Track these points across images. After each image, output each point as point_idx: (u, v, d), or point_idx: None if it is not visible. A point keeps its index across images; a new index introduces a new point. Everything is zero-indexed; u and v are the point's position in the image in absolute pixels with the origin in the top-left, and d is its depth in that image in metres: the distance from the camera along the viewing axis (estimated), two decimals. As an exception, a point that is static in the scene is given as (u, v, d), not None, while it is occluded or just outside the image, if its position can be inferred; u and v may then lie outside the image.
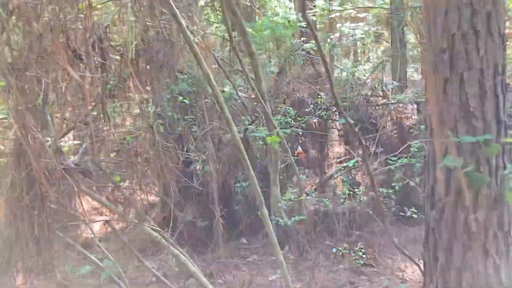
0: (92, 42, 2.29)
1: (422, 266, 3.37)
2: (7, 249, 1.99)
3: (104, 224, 6.28)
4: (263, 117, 5.08)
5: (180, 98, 4.45)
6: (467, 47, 2.54)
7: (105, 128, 2.55)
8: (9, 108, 1.92)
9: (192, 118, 4.92)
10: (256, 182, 2.88)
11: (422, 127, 5.44)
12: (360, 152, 7.46)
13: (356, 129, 3.95)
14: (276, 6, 22.08)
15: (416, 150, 4.75)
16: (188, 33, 2.42)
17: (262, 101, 4.44)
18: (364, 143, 2.58)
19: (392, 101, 6.28)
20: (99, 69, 2.27)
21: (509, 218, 2.66)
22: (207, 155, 5.00)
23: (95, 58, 2.22)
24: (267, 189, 6.27)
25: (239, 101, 5.42)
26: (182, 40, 2.85)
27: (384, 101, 6.57)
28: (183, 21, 2.36)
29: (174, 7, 2.29)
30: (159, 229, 3.70)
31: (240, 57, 3.92)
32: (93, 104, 2.43)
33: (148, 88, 2.77)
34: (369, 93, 6.74)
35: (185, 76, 4.40)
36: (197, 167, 5.93)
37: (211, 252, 6.09)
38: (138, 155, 2.62)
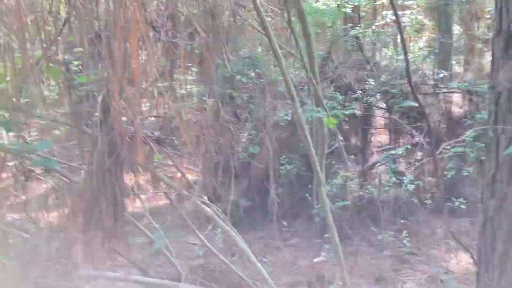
0: (167, 15, 2.34)
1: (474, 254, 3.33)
2: (87, 210, 2.08)
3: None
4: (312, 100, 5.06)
5: (238, 77, 4.49)
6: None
7: (171, 101, 2.60)
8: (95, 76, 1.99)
9: (247, 97, 4.96)
10: (317, 163, 2.89)
11: (479, 116, 5.31)
12: (405, 140, 7.38)
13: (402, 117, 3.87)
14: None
15: (471, 139, 4.66)
16: (263, 13, 2.44)
17: (315, 83, 4.42)
18: (431, 125, 2.53)
19: (444, 90, 6.14)
20: (172, 42, 2.32)
21: None
22: (253, 135, 5.03)
23: (170, 31, 2.26)
24: (311, 173, 6.28)
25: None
26: (248, 19, 2.88)
27: (435, 90, 6.42)
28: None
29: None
30: (213, 205, 3.77)
31: (297, 38, 3.90)
32: (161, 77, 2.49)
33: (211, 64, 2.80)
34: (419, 81, 6.61)
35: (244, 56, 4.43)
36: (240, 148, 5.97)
37: (253, 232, 6.17)
38: (201, 130, 2.66)
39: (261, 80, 4.72)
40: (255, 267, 4.28)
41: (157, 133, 2.34)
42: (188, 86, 3.23)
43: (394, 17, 11.26)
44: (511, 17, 2.56)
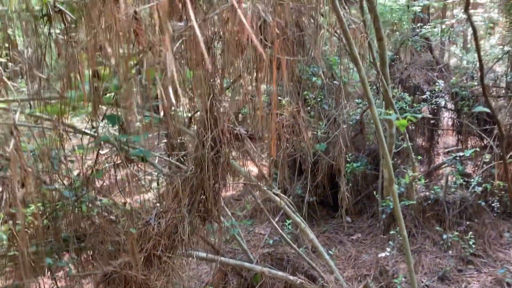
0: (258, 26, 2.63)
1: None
2: (194, 196, 2.42)
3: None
4: (382, 100, 5.20)
5: (313, 78, 4.74)
6: None
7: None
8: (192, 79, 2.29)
9: (321, 98, 5.19)
10: (389, 161, 3.08)
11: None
12: (473, 143, 7.31)
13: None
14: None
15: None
16: (346, 24, 2.67)
17: (386, 85, 4.58)
18: (503, 131, 2.63)
19: (517, 93, 6.07)
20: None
21: None
22: (326, 134, 5.26)
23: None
24: (376, 172, 6.42)
25: (357, 84, 5.59)
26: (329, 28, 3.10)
27: (507, 93, 6.34)
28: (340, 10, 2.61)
29: (336, 2, 2.54)
30: (284, 196, 4.05)
31: (370, 42, 4.08)
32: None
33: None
34: (491, 84, 6.54)
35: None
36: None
37: (316, 226, 6.41)
38: (282, 127, 2.93)
39: (335, 82, 4.94)
40: (322, 258, 4.53)
41: (249, 131, 2.64)
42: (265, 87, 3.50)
43: (465, 16, 11.05)
44: None
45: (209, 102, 2.30)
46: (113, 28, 1.41)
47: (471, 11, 12.37)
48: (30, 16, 2.17)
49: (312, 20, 3.14)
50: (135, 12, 1.29)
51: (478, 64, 5.15)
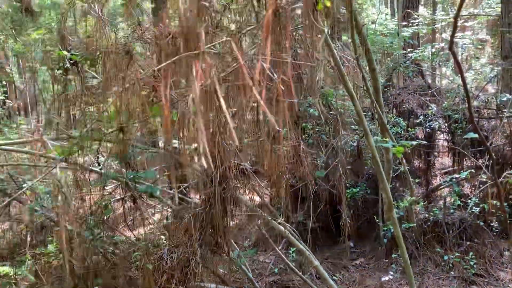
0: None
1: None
2: (204, 230, 2.55)
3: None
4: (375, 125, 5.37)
5: (310, 110, 4.92)
6: None
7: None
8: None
9: (319, 128, 5.37)
10: (387, 187, 3.22)
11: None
12: (468, 163, 7.46)
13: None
14: (373, 13, 21.97)
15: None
16: (339, 60, 2.85)
17: (380, 113, 4.75)
18: (493, 156, 2.77)
19: (507, 114, 6.25)
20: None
21: None
22: (325, 162, 5.41)
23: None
24: (376, 196, 6.54)
25: (352, 113, 5.76)
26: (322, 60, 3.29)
27: (498, 114, 6.54)
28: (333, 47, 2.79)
29: (329, 39, 2.73)
30: (287, 224, 4.16)
31: (364, 73, 4.27)
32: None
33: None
34: (481, 105, 6.74)
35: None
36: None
37: (320, 252, 6.48)
38: (284, 158, 3.08)
39: (331, 112, 5.12)
40: (327, 284, 4.61)
41: (253, 167, 2.78)
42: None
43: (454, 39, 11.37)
44: None
45: (216, 140, 2.45)
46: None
47: (460, 34, 12.67)
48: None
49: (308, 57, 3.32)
50: (154, 71, 1.45)
51: (470, 89, 5.36)
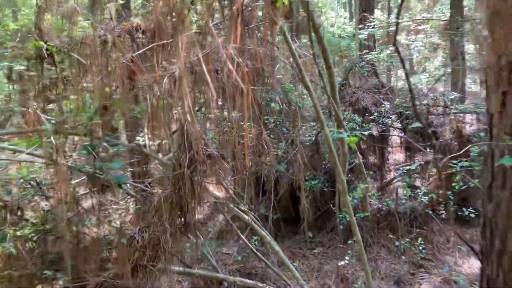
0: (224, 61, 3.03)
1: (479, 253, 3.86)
2: (173, 210, 2.73)
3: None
4: (334, 122, 5.69)
5: (272, 104, 5.18)
6: (524, 66, 3.05)
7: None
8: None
9: (279, 121, 5.64)
10: (341, 173, 3.50)
11: (482, 134, 5.88)
12: (420, 158, 7.95)
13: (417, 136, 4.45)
14: (332, 16, 22.57)
15: (476, 154, 5.22)
16: (297, 56, 3.11)
17: (336, 108, 5.07)
18: (436, 146, 3.10)
19: (454, 111, 6.73)
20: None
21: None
22: (285, 154, 5.69)
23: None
24: (333, 189, 6.88)
25: (311, 108, 6.08)
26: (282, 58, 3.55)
27: (446, 111, 7.02)
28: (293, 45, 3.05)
29: (288, 37, 2.99)
30: (251, 212, 4.41)
31: (321, 71, 4.57)
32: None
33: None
34: (431, 103, 7.20)
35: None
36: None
37: (281, 242, 6.76)
38: (248, 149, 3.30)
39: (291, 107, 5.40)
40: (288, 269, 4.89)
41: (219, 152, 3.00)
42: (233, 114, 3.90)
43: (407, 42, 11.96)
44: (499, 53, 3.19)
45: (185, 127, 2.66)
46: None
47: (413, 37, 13.27)
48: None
49: (268, 53, 3.57)
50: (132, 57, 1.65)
51: (422, 88, 5.81)
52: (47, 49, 2.47)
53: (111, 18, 2.60)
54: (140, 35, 2.43)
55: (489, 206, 3.40)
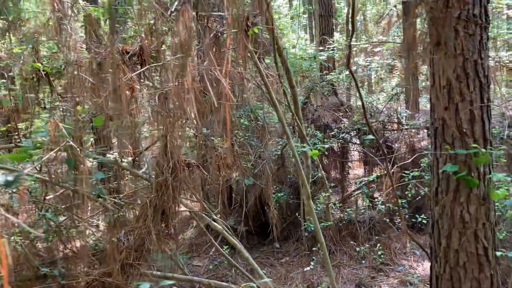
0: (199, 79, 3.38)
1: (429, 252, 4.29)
2: (155, 216, 3.02)
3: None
4: (298, 137, 6.12)
5: (241, 120, 5.54)
6: (460, 85, 3.53)
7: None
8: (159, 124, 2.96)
9: (248, 136, 6.01)
10: (305, 179, 3.88)
11: (429, 146, 6.45)
12: (377, 171, 8.47)
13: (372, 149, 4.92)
14: (294, 38, 23.37)
15: (425, 165, 5.75)
16: (265, 77, 3.50)
17: (300, 124, 5.49)
18: (386, 153, 3.51)
19: (406, 127, 7.30)
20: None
21: (494, 211, 3.62)
22: (253, 167, 6.05)
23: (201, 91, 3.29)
24: (297, 201, 7.27)
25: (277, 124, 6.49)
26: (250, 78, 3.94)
27: (399, 127, 7.58)
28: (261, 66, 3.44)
29: (257, 60, 3.38)
30: (222, 221, 4.71)
31: (285, 89, 4.99)
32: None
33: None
34: (386, 120, 7.76)
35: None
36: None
37: (249, 253, 7.05)
38: (221, 160, 3.64)
39: (258, 122, 5.79)
40: (257, 274, 5.20)
41: (196, 162, 3.32)
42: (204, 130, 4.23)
43: (365, 63, 12.71)
44: (439, 74, 3.67)
45: (168, 138, 2.97)
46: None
47: (369, 58, 14.02)
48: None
49: (239, 74, 3.96)
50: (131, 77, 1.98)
51: (373, 106, 6.33)
52: (43, 70, 2.74)
53: (101, 42, 2.90)
54: (128, 58, 2.75)
55: (436, 208, 3.84)
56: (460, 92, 3.61)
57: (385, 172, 7.71)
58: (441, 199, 3.86)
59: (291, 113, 5.76)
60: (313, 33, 20.53)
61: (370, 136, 3.58)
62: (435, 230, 3.98)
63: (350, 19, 3.51)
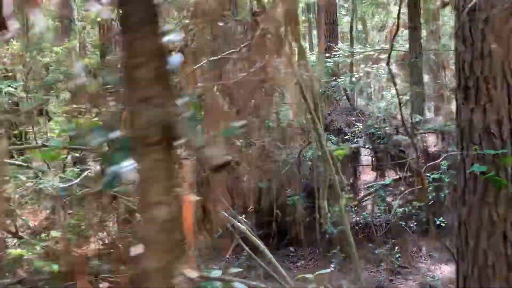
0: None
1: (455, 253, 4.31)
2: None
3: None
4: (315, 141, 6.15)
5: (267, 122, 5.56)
6: (488, 86, 3.57)
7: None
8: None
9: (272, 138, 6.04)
10: (337, 183, 3.91)
11: (450, 149, 6.48)
12: (389, 175, 8.50)
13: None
14: (293, 47, 23.34)
15: (445, 168, 5.79)
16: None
17: (319, 128, 5.53)
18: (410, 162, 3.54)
19: (421, 131, 7.34)
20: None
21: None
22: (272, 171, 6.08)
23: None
24: (313, 205, 7.28)
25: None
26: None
27: (413, 131, 7.62)
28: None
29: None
30: (246, 221, 4.71)
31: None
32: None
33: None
34: (398, 125, 7.79)
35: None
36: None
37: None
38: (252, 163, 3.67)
39: (282, 124, 5.83)
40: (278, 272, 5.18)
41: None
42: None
43: (368, 69, 12.74)
44: (466, 75, 3.69)
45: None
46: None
47: (375, 65, 14.03)
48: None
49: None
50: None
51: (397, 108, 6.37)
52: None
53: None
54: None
55: (463, 209, 3.83)
56: (487, 93, 3.62)
57: (399, 176, 7.76)
58: (468, 199, 3.84)
59: (310, 115, 5.81)
60: (313, 42, 20.76)
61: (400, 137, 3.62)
62: (462, 231, 3.96)
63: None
